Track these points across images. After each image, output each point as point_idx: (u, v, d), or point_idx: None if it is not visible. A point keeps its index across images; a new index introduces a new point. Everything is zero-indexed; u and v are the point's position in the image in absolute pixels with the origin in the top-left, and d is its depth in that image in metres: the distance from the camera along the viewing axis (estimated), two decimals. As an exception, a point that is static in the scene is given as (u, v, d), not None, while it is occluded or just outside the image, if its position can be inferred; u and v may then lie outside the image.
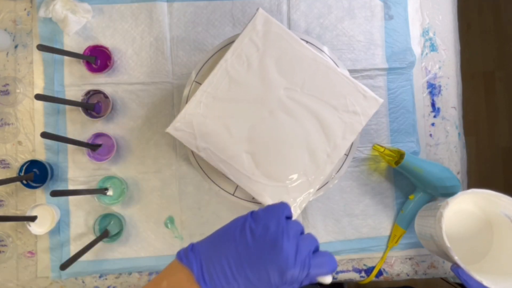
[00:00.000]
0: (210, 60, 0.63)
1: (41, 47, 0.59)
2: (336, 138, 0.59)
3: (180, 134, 0.58)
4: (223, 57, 0.58)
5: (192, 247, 0.39)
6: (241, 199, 0.63)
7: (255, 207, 0.63)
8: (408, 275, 0.74)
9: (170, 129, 0.58)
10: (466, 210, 0.67)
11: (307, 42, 0.62)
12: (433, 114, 0.76)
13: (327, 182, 0.63)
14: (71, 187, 0.71)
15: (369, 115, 0.59)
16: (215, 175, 0.64)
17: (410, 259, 0.74)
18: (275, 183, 0.58)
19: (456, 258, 0.57)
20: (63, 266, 0.58)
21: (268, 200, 0.58)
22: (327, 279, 0.40)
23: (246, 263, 0.36)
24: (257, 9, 0.58)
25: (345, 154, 0.63)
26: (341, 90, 0.59)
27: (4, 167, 0.72)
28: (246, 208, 0.72)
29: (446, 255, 0.60)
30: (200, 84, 0.60)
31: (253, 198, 0.59)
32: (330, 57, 0.64)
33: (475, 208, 0.67)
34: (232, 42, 0.59)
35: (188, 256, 0.38)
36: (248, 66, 0.58)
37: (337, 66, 0.61)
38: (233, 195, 0.63)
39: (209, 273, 0.36)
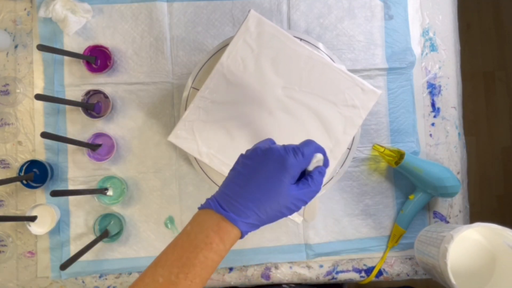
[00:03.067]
0: (205, 65, 0.63)
1: (41, 47, 0.59)
2: (337, 134, 0.59)
3: (182, 142, 0.58)
4: (219, 61, 0.58)
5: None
6: None
7: None
8: (408, 275, 0.74)
9: (171, 138, 0.58)
10: (468, 237, 0.66)
11: (301, 39, 0.62)
12: (433, 114, 0.76)
13: (331, 178, 0.63)
14: (71, 187, 0.71)
15: (368, 108, 0.59)
16: (216, 176, 0.64)
17: (410, 259, 0.74)
18: None
19: None
20: (63, 266, 0.58)
21: None
22: (318, 158, 0.44)
23: (253, 178, 0.40)
24: (249, 11, 0.58)
25: (347, 148, 0.63)
26: (339, 85, 0.59)
27: (4, 167, 0.72)
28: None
29: (447, 284, 0.59)
30: (198, 89, 0.60)
31: None
32: (325, 53, 0.63)
33: (478, 235, 0.66)
34: (226, 45, 0.59)
35: (205, 201, 0.41)
36: (244, 68, 0.58)
37: (333, 62, 0.61)
38: None
39: (226, 202, 0.39)
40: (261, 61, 0.58)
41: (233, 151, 0.58)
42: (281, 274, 0.73)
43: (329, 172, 0.59)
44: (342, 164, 0.63)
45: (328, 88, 0.58)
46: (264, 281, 0.73)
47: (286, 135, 0.58)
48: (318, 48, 0.63)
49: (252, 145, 0.58)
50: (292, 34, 0.60)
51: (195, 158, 0.64)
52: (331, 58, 0.63)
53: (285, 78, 0.58)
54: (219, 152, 0.58)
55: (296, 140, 0.58)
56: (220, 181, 0.64)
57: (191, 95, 0.64)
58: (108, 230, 0.69)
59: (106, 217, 0.71)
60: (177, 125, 0.58)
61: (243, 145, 0.58)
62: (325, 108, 0.58)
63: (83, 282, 0.72)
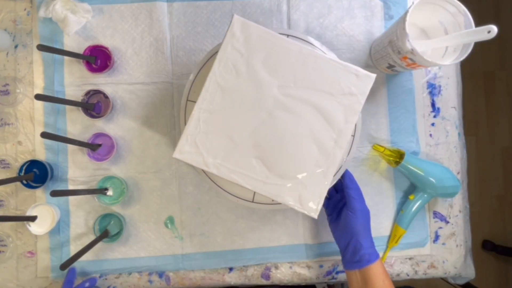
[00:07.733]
0: (197, 78, 0.64)
1: (41, 47, 0.59)
2: (339, 123, 0.58)
3: (187, 156, 0.58)
4: (211, 70, 0.58)
5: None
6: (262, 203, 0.63)
7: (275, 209, 0.63)
8: (408, 275, 0.74)
9: (176, 154, 0.58)
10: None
11: (288, 36, 0.61)
12: (433, 114, 0.76)
13: (340, 167, 0.63)
14: (71, 187, 0.71)
15: (365, 93, 0.59)
16: (216, 176, 0.64)
17: (410, 259, 0.74)
18: (291, 181, 0.58)
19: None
20: (63, 266, 0.58)
21: (289, 199, 0.58)
22: None
23: None
24: (232, 16, 0.58)
25: (351, 135, 0.63)
26: (333, 75, 0.58)
27: (4, 167, 0.72)
28: (247, 208, 0.72)
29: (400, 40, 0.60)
30: (194, 102, 0.60)
31: (273, 200, 0.59)
32: (315, 45, 0.63)
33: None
34: (215, 53, 0.59)
35: None
36: (237, 74, 0.58)
37: (324, 53, 0.61)
38: (252, 201, 0.63)
39: None
40: (253, 64, 0.58)
41: (239, 157, 0.58)
42: (281, 274, 0.73)
43: (337, 162, 0.60)
44: (349, 152, 0.64)
45: (323, 80, 0.58)
46: (264, 281, 0.73)
47: (290, 134, 0.58)
48: (307, 42, 0.63)
49: (258, 149, 0.58)
50: (277, 31, 0.59)
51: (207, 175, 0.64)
52: (321, 49, 0.63)
53: (279, 77, 0.58)
54: (225, 160, 0.58)
55: (299, 137, 0.58)
56: (220, 182, 0.64)
57: (189, 109, 0.63)
58: (108, 230, 0.69)
59: (106, 217, 0.71)
60: (180, 141, 0.58)
61: (248, 150, 0.58)
62: (324, 100, 0.58)
63: (83, 282, 0.72)
